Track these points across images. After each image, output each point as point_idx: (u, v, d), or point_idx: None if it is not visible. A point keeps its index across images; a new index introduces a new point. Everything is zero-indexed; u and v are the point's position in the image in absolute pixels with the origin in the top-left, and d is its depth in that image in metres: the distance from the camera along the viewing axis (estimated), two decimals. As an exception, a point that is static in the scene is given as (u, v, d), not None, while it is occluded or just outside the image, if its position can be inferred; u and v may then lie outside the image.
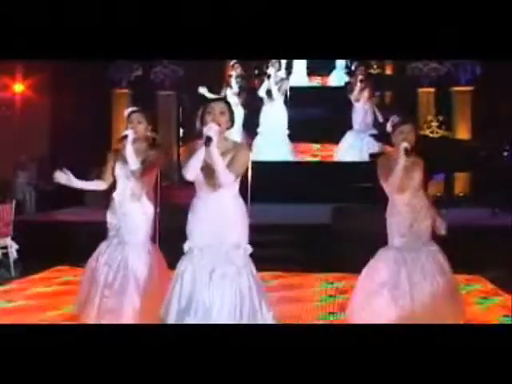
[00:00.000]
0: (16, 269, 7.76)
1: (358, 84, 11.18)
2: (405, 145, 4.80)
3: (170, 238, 5.86)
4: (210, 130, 3.95)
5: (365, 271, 5.07)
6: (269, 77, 11.01)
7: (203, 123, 4.08)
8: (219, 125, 4.01)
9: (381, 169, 4.98)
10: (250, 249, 4.20)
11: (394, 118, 5.07)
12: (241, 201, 4.20)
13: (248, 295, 4.09)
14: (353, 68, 11.81)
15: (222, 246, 4.10)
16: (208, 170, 4.03)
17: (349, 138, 11.29)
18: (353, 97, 11.26)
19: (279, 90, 11.03)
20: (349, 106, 11.34)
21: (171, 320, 4.06)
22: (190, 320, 3.99)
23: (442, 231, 5.00)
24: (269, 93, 11.07)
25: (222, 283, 4.03)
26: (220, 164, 3.96)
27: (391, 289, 4.91)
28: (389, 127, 5.04)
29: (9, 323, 5.04)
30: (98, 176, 5.04)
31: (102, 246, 4.94)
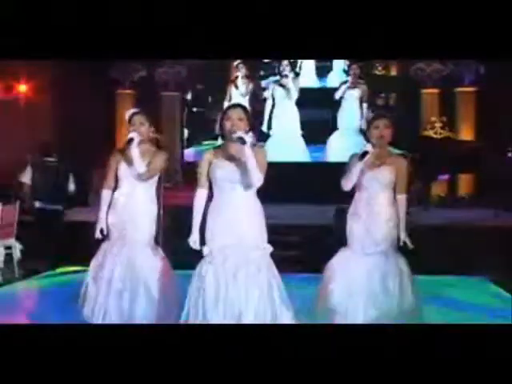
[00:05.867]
0: (20, 269, 7.76)
1: (347, 83, 10.99)
2: (365, 149, 4.56)
3: (172, 239, 5.87)
4: (240, 132, 4.09)
5: (324, 276, 4.86)
6: (286, 77, 10.92)
7: (222, 129, 4.22)
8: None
9: (346, 166, 4.73)
10: (270, 248, 4.24)
11: (369, 114, 4.87)
12: (258, 201, 4.28)
13: (268, 294, 4.14)
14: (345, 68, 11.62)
15: (243, 247, 4.15)
16: (238, 172, 4.13)
17: (334, 139, 11.12)
18: (336, 95, 10.99)
19: (291, 90, 10.94)
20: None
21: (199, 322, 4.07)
22: (219, 321, 4.02)
23: (406, 242, 4.70)
24: (281, 94, 10.98)
25: (246, 283, 4.09)
26: (254, 164, 4.06)
27: (341, 291, 4.68)
28: (364, 124, 4.81)
29: (11, 323, 5.02)
30: (102, 185, 5.02)
31: (105, 246, 4.93)
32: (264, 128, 11.13)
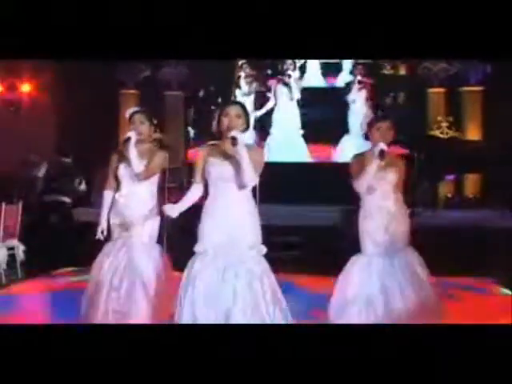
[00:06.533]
0: (23, 270, 7.77)
1: (356, 84, 10.96)
2: (381, 147, 4.51)
3: (176, 239, 5.87)
4: (235, 131, 4.04)
5: (339, 279, 4.81)
6: (289, 76, 10.88)
7: (219, 126, 4.18)
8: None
9: (352, 167, 4.70)
10: (264, 249, 4.22)
11: (369, 115, 4.87)
12: (253, 201, 4.25)
13: (262, 295, 4.09)
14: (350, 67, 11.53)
15: (236, 247, 4.12)
16: (232, 170, 4.10)
17: (346, 141, 10.96)
18: (349, 98, 10.96)
19: (293, 90, 10.91)
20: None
21: (186, 322, 4.05)
22: (207, 321, 3.99)
23: None
24: (283, 93, 10.95)
25: (234, 281, 4.05)
26: (248, 164, 4.02)
27: (363, 299, 4.64)
28: (364, 124, 4.78)
29: (14, 324, 5.04)
30: (103, 185, 5.04)
31: (107, 247, 4.96)
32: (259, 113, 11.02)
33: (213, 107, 11.34)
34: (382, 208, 4.71)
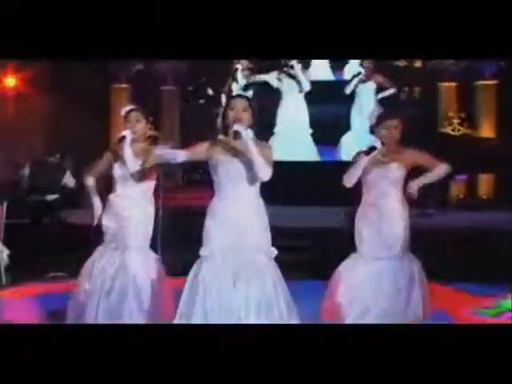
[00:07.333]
0: (8, 275, 7.76)
1: (357, 78, 10.41)
2: (371, 145, 4.63)
3: (172, 242, 5.86)
4: (238, 125, 4.09)
5: (331, 280, 4.85)
6: (292, 67, 10.63)
7: (225, 120, 4.22)
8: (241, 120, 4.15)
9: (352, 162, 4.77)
10: (274, 251, 4.25)
11: (378, 111, 4.92)
12: (262, 201, 4.27)
13: (275, 299, 4.13)
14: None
15: (245, 250, 4.15)
16: (242, 167, 4.12)
17: (347, 139, 10.66)
18: (347, 89, 10.41)
19: (301, 81, 10.70)
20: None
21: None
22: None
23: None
24: (289, 86, 10.80)
25: (246, 288, 4.08)
26: (259, 158, 4.03)
27: (353, 304, 4.67)
28: (372, 120, 4.86)
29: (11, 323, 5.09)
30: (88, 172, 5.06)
31: (98, 250, 4.97)
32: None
33: (202, 101, 11.37)
34: (376, 207, 4.73)
